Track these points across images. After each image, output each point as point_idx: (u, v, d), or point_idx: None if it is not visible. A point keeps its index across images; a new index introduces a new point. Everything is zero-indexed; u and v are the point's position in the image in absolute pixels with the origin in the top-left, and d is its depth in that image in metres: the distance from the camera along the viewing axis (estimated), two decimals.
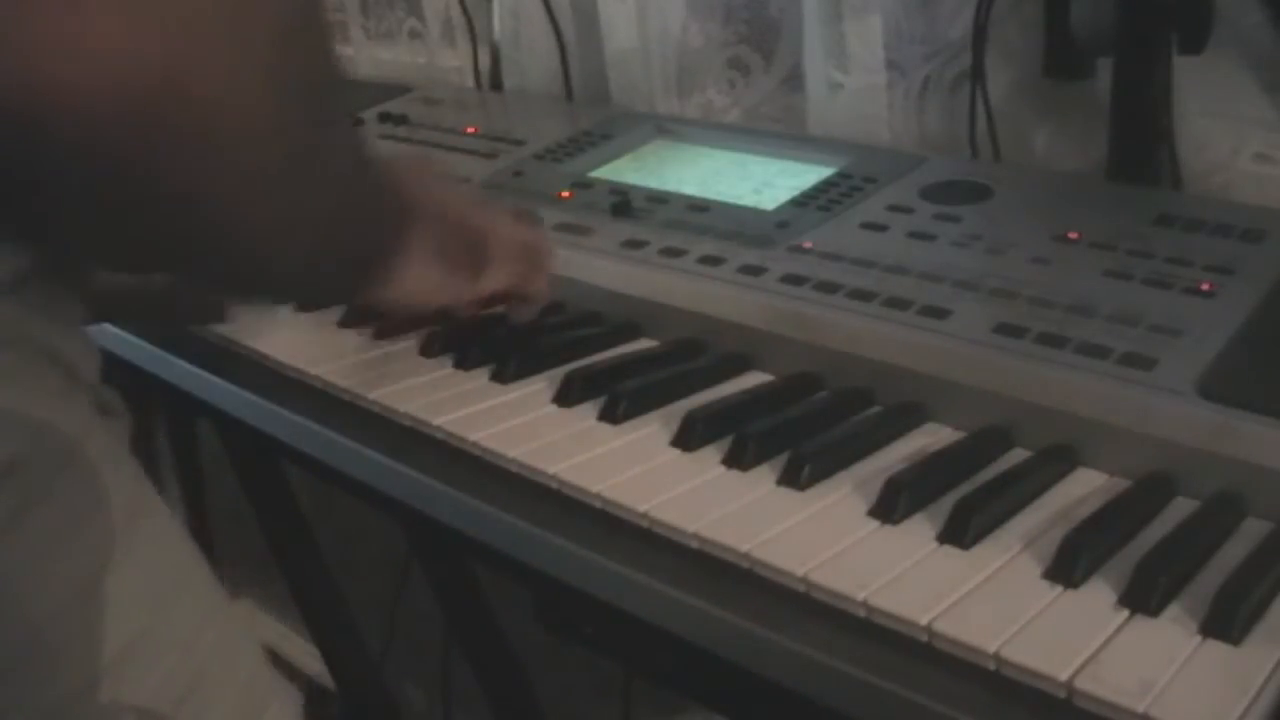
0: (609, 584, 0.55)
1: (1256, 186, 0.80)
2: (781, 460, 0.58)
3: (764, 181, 0.87)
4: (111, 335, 0.81)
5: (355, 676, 1.39)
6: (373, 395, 0.68)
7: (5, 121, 0.39)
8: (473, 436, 0.63)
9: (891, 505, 0.54)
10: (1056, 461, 0.58)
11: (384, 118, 1.12)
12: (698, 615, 0.51)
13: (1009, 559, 0.51)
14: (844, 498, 0.56)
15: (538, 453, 0.61)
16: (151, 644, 0.52)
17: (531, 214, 0.78)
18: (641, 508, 0.56)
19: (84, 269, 0.53)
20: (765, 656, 0.49)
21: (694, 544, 0.54)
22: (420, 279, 0.64)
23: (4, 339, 0.47)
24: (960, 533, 0.52)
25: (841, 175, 0.84)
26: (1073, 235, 0.71)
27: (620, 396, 0.65)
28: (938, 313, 0.66)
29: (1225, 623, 0.45)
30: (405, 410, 0.66)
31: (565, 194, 0.88)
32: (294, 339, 0.77)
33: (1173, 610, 0.47)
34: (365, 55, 1.46)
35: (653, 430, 0.63)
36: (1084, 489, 0.57)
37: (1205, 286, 0.65)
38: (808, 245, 0.75)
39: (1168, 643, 0.45)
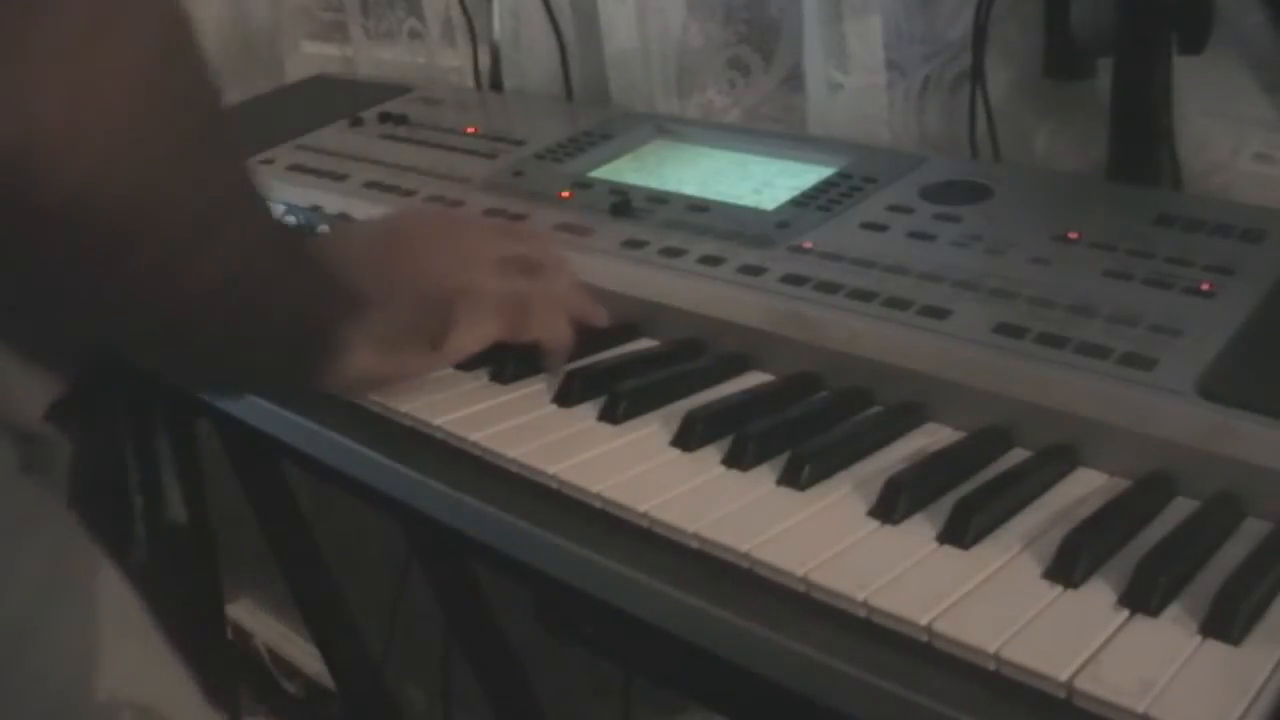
0: (609, 584, 0.55)
1: (1256, 186, 0.80)
2: (781, 460, 0.58)
3: (764, 181, 0.87)
4: None
5: (355, 676, 1.39)
6: (372, 395, 0.68)
7: None
8: (473, 436, 0.63)
9: (891, 505, 0.54)
10: (1056, 461, 0.58)
11: (384, 118, 1.12)
12: (698, 615, 0.51)
13: (1009, 559, 0.51)
14: (844, 498, 0.56)
15: (538, 453, 0.61)
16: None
17: (534, 262, 0.71)
18: (641, 508, 0.56)
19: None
20: (765, 656, 0.49)
21: (694, 544, 0.54)
22: (371, 367, 0.63)
23: None
24: (960, 533, 0.52)
25: (841, 175, 0.84)
26: (1073, 235, 0.71)
27: (620, 396, 0.65)
28: (938, 313, 0.66)
29: (1225, 623, 0.45)
30: (405, 410, 0.66)
31: (565, 194, 0.88)
32: None
33: (1173, 610, 0.47)
34: (365, 55, 1.46)
35: (653, 430, 0.63)
36: (1084, 489, 0.57)
37: (1205, 286, 0.65)
38: (808, 245, 0.75)
39: (1168, 643, 0.45)
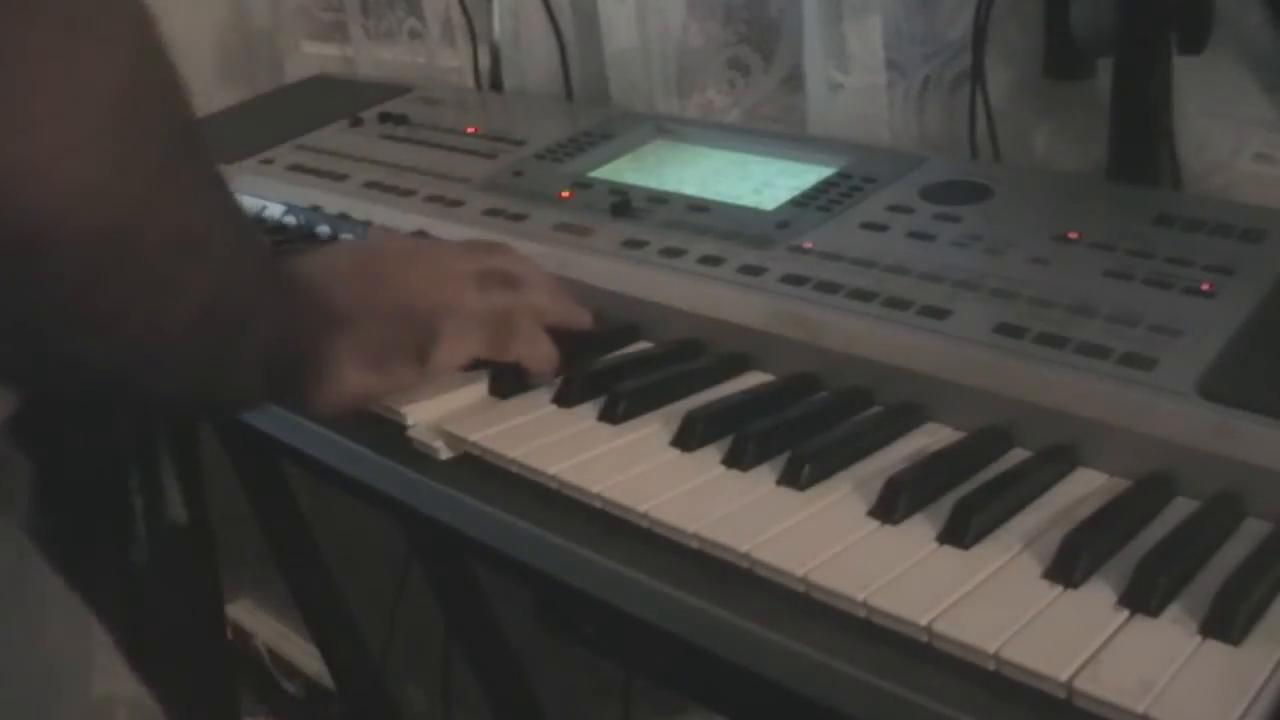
0: (609, 584, 0.55)
1: (1256, 186, 0.80)
2: (781, 460, 0.58)
3: (764, 181, 0.87)
4: None
5: (355, 676, 1.39)
6: (360, 407, 0.68)
7: None
8: (473, 437, 0.63)
9: (891, 505, 0.54)
10: (1056, 461, 0.58)
11: (384, 118, 1.12)
12: (698, 615, 0.51)
13: (1009, 559, 0.51)
14: (844, 498, 0.56)
15: (538, 453, 0.61)
16: None
17: (511, 275, 0.70)
18: (641, 508, 0.56)
19: None
20: (765, 656, 0.49)
21: (694, 544, 0.54)
22: (353, 384, 0.62)
23: None
24: (960, 533, 0.52)
25: (841, 175, 0.84)
26: (1073, 235, 0.71)
27: (620, 396, 0.64)
28: (938, 313, 0.66)
29: (1225, 623, 0.45)
30: (405, 411, 0.66)
31: (565, 194, 0.88)
32: None
33: (1173, 610, 0.47)
34: (365, 55, 1.46)
35: (653, 430, 0.63)
36: (1084, 489, 0.57)
37: (1205, 286, 0.65)
38: (808, 245, 0.75)
39: (1168, 643, 0.45)
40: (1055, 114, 0.90)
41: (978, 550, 0.51)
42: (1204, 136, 0.82)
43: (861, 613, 0.48)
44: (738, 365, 0.70)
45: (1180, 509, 0.54)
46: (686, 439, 0.61)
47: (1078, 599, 0.48)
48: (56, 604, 0.54)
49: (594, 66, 1.17)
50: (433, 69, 1.37)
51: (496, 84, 1.25)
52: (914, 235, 0.74)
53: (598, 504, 0.57)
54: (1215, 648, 0.45)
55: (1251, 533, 0.52)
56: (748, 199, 0.84)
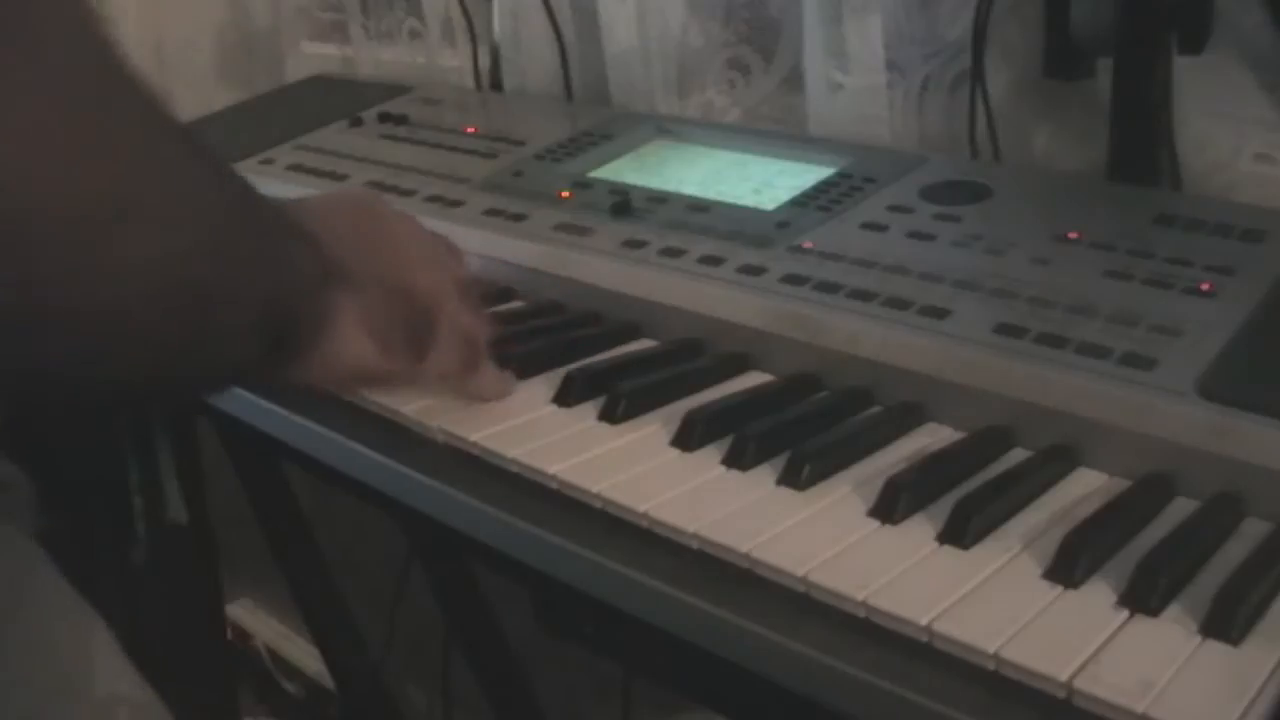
0: (609, 584, 0.55)
1: (1257, 186, 0.80)
2: (781, 460, 0.58)
3: (764, 181, 0.87)
4: None
5: (355, 676, 1.39)
6: (364, 393, 0.68)
7: None
8: (473, 436, 0.63)
9: (891, 505, 0.54)
10: (1056, 461, 0.58)
11: (384, 118, 1.12)
12: (698, 615, 0.51)
13: (1009, 559, 0.51)
14: (844, 498, 0.56)
15: (537, 453, 0.61)
16: None
17: (478, 288, 0.67)
18: (641, 508, 0.56)
19: None
20: (765, 656, 0.49)
21: (694, 544, 0.54)
22: (352, 352, 0.56)
23: None
24: (960, 533, 0.52)
25: (841, 175, 0.84)
26: (1073, 235, 0.71)
27: (620, 396, 0.64)
28: (938, 313, 0.66)
29: (1225, 623, 0.45)
30: (405, 411, 0.66)
31: (565, 194, 0.88)
32: None
33: (1173, 610, 0.47)
34: (365, 55, 1.46)
35: (653, 430, 0.63)
36: (1084, 489, 0.57)
37: (1205, 286, 0.65)
38: (808, 245, 0.75)
39: (1168, 643, 0.45)
40: (1055, 114, 0.90)
41: (978, 550, 0.51)
42: (1204, 136, 0.82)
43: (861, 613, 0.48)
44: (738, 365, 0.70)
45: (1180, 509, 0.54)
46: (686, 439, 0.61)
47: (1078, 599, 0.48)
48: (64, 608, 0.54)
49: (594, 66, 1.17)
50: (433, 69, 1.37)
51: (496, 84, 1.25)
52: (914, 235, 0.74)
53: (598, 504, 0.57)
54: (1215, 648, 0.45)
55: (1251, 533, 0.52)
56: (748, 199, 0.84)
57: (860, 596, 0.48)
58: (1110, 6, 0.77)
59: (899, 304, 0.67)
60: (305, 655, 1.79)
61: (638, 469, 0.59)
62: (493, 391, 0.66)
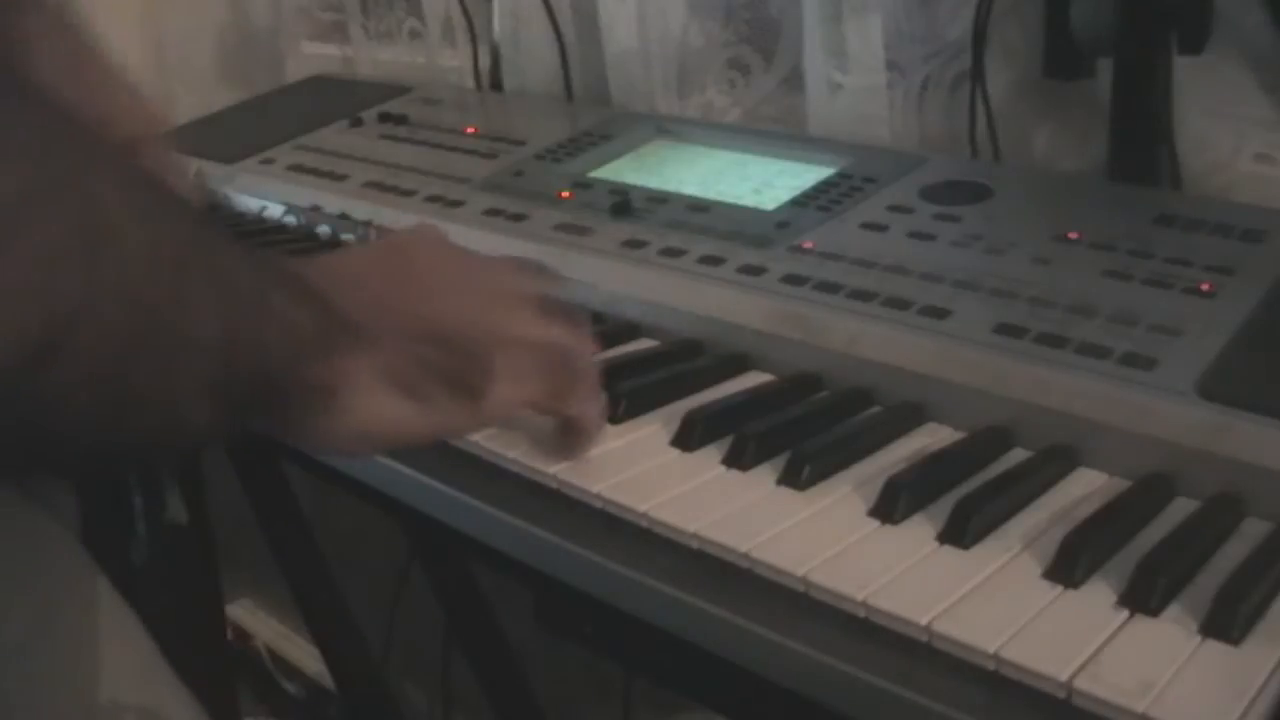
0: (609, 584, 0.55)
1: (1256, 186, 0.80)
2: (781, 460, 0.58)
3: (764, 181, 0.87)
4: None
5: (355, 676, 1.39)
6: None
7: None
8: (473, 436, 0.63)
9: (891, 505, 0.54)
10: (1056, 461, 0.58)
11: (384, 118, 1.12)
12: (698, 615, 0.51)
13: (1009, 559, 0.51)
14: (844, 498, 0.56)
15: (537, 453, 0.61)
16: None
17: (569, 307, 0.59)
18: (641, 508, 0.55)
19: None
20: (765, 656, 0.49)
21: (694, 544, 0.54)
22: (379, 416, 0.50)
23: None
24: (960, 533, 0.52)
25: (841, 175, 0.84)
26: (1073, 235, 0.71)
27: (620, 396, 0.64)
28: (938, 313, 0.66)
29: (1225, 623, 0.45)
30: None
31: (565, 194, 0.88)
32: None
33: (1173, 610, 0.47)
34: (365, 55, 1.46)
35: (653, 430, 0.63)
36: (1084, 489, 0.57)
37: (1205, 286, 0.65)
38: (808, 245, 0.75)
39: (1168, 643, 0.45)
40: (1055, 114, 0.90)
41: (978, 550, 0.51)
42: (1204, 136, 0.82)
43: (861, 613, 0.48)
44: (738, 365, 0.70)
45: (1180, 509, 0.54)
46: (686, 439, 0.61)
47: (1078, 599, 0.48)
48: (105, 612, 0.54)
49: (594, 67, 1.17)
50: (433, 69, 1.37)
51: (496, 84, 1.25)
52: (914, 235, 0.74)
53: (598, 504, 0.57)
54: (1215, 648, 0.45)
55: (1251, 533, 0.52)
56: (748, 199, 0.84)
57: (860, 596, 0.48)
58: (1110, 6, 0.77)
59: (899, 304, 0.67)
60: (305, 655, 1.79)
61: (638, 469, 0.59)
62: (589, 415, 0.59)
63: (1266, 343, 0.61)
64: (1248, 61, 0.79)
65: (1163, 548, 0.50)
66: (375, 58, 1.45)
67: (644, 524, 0.55)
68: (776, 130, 1.04)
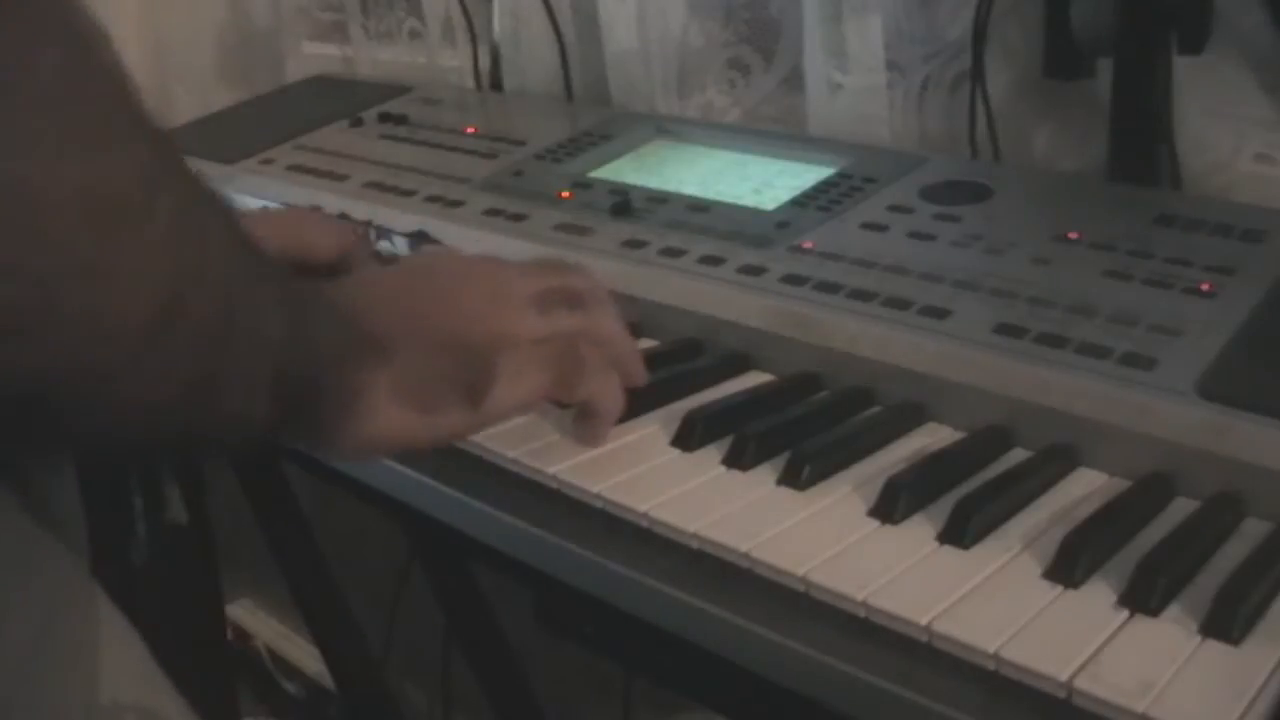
0: (609, 584, 0.55)
1: (1256, 186, 0.80)
2: (781, 460, 0.58)
3: (764, 181, 0.87)
4: None
5: (355, 676, 1.39)
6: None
7: None
8: (474, 436, 0.63)
9: (891, 505, 0.54)
10: (1056, 461, 0.58)
11: (384, 118, 1.12)
12: (698, 615, 0.51)
13: (1009, 559, 0.51)
14: (844, 498, 0.56)
15: (537, 453, 0.61)
16: None
17: (576, 293, 0.61)
18: (641, 508, 0.56)
19: None
20: (765, 656, 0.49)
21: (694, 544, 0.54)
22: (387, 426, 0.53)
23: None
24: (960, 533, 0.52)
25: (841, 175, 0.84)
26: (1073, 235, 0.71)
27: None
28: (938, 313, 0.66)
29: (1225, 623, 0.45)
30: None
31: (565, 194, 0.88)
32: None
33: (1173, 610, 0.47)
34: (365, 55, 1.46)
35: (653, 430, 0.63)
36: (1084, 489, 0.57)
37: (1205, 286, 0.65)
38: (808, 245, 0.75)
39: (1168, 643, 0.45)
40: (1055, 114, 0.90)
41: (978, 550, 0.51)
42: (1204, 136, 0.82)
43: (861, 613, 0.48)
44: (738, 365, 0.70)
45: (1180, 509, 0.54)
46: (686, 439, 0.61)
47: (1078, 599, 0.48)
48: (109, 623, 0.54)
49: (594, 67, 1.17)
50: (433, 69, 1.37)
51: (496, 84, 1.25)
52: (914, 235, 0.74)
53: (598, 504, 0.57)
54: (1215, 648, 0.45)
55: (1251, 533, 0.52)
56: (748, 199, 0.84)
57: (860, 596, 0.48)
58: (1110, 6, 0.77)
59: (899, 304, 0.67)
60: (305, 655, 1.79)
61: (638, 469, 0.59)
62: (602, 394, 0.60)
63: (1266, 343, 0.61)
64: (1248, 61, 0.79)
65: (1163, 548, 0.50)
66: (375, 58, 1.45)
67: (644, 524, 0.55)
68: (776, 130, 1.04)
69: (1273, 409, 0.54)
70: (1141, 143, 0.79)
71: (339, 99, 1.21)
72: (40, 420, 0.40)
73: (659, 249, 0.78)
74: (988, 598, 0.48)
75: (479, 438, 0.62)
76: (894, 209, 0.78)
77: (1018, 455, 0.59)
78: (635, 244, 0.79)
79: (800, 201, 0.81)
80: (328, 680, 1.48)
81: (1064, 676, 0.43)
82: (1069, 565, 0.49)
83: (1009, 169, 0.89)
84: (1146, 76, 0.78)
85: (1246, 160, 0.82)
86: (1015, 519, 0.54)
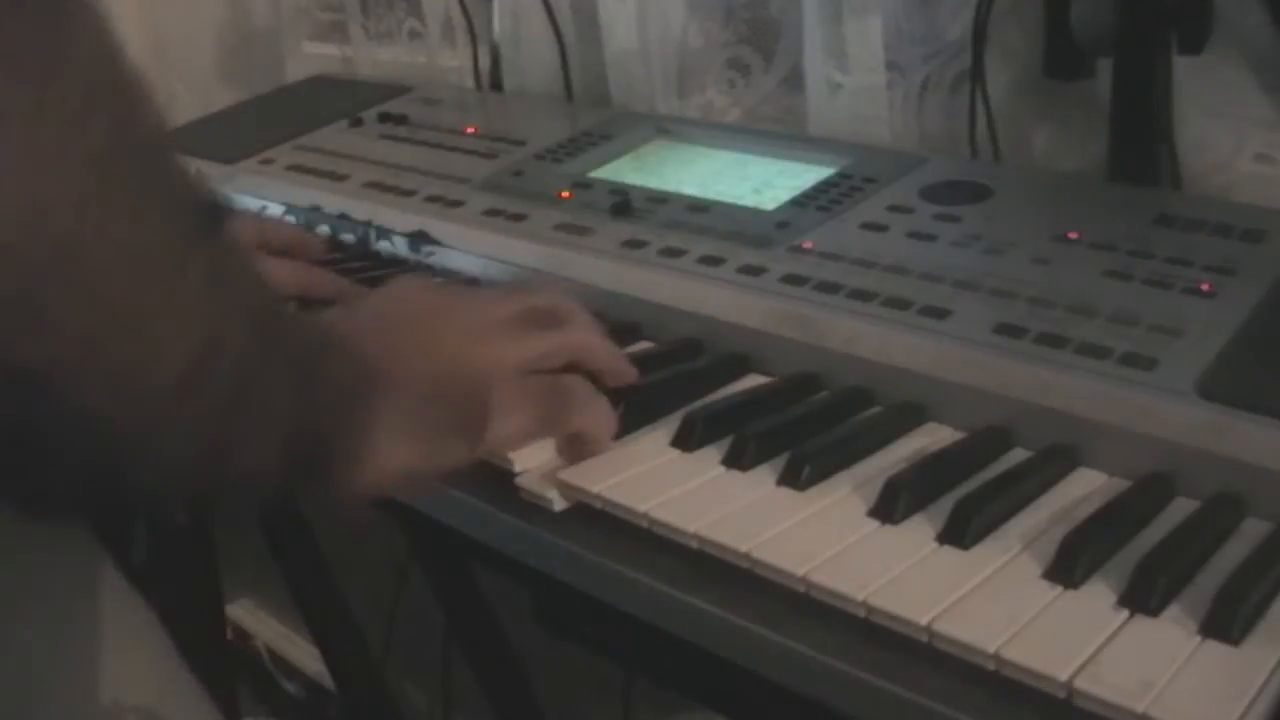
0: (609, 584, 0.55)
1: (1256, 186, 0.80)
2: (781, 460, 0.58)
3: (764, 181, 0.87)
4: None
5: (355, 676, 1.39)
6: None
7: None
8: None
9: (891, 505, 0.54)
10: (1056, 461, 0.58)
11: (384, 118, 1.12)
12: (698, 615, 0.51)
13: (1009, 559, 0.51)
14: (844, 498, 0.56)
15: (537, 453, 0.61)
16: None
17: (553, 311, 0.62)
18: (642, 508, 0.55)
19: None
20: (765, 656, 0.49)
21: (694, 544, 0.54)
22: (391, 462, 0.53)
23: None
24: (960, 533, 0.52)
25: (841, 175, 0.84)
26: (1073, 235, 0.71)
27: (620, 397, 0.64)
28: (938, 313, 0.66)
29: (1225, 623, 0.45)
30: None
31: (565, 194, 0.88)
32: None
33: (1173, 610, 0.47)
34: (365, 55, 1.46)
35: (653, 430, 0.63)
36: (1084, 489, 0.57)
37: (1205, 286, 0.65)
38: (808, 245, 0.75)
39: (1168, 643, 0.45)
40: (1055, 114, 0.90)
41: (978, 550, 0.51)
42: (1204, 136, 0.82)
43: (861, 613, 0.48)
44: (738, 365, 0.70)
45: (1180, 509, 0.54)
46: (686, 439, 0.61)
47: (1078, 599, 0.48)
48: (108, 593, 0.54)
49: (594, 66, 1.17)
50: (433, 69, 1.37)
51: (496, 84, 1.25)
52: (914, 235, 0.74)
53: (598, 504, 0.57)
54: (1215, 648, 0.45)
55: (1251, 533, 0.52)
56: (748, 199, 0.84)
57: (860, 596, 0.48)
58: (1110, 6, 0.77)
59: (899, 304, 0.67)
60: (305, 655, 1.79)
61: (638, 469, 0.59)
62: (593, 423, 0.60)
63: (1266, 343, 0.61)
64: (1248, 61, 0.79)
65: (1163, 548, 0.50)
66: (375, 58, 1.45)
67: (644, 524, 0.55)
68: (776, 130, 1.04)
69: (1273, 409, 0.54)
70: (1141, 143, 0.79)
71: (339, 99, 1.21)
72: (69, 473, 0.41)
73: (659, 249, 0.78)
74: (988, 598, 0.48)
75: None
76: (894, 209, 0.78)
77: (1018, 455, 0.59)
78: (635, 244, 0.79)
79: (800, 201, 0.81)
80: (328, 680, 1.48)
81: (1064, 676, 0.43)
82: (1069, 565, 0.49)
83: (1009, 169, 0.88)
84: (1146, 76, 0.78)
85: (1246, 160, 0.82)
86: (1015, 519, 0.54)
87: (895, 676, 0.46)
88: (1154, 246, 0.69)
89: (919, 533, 0.53)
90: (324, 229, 0.93)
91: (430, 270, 0.86)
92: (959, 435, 0.62)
